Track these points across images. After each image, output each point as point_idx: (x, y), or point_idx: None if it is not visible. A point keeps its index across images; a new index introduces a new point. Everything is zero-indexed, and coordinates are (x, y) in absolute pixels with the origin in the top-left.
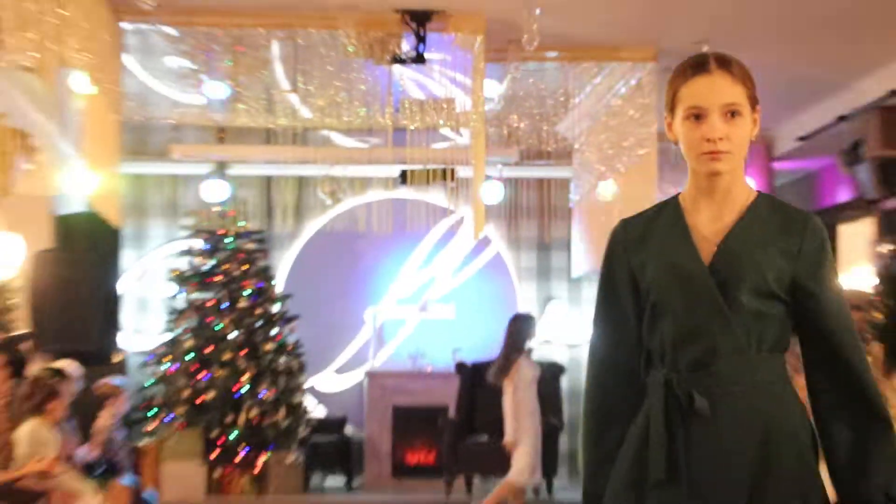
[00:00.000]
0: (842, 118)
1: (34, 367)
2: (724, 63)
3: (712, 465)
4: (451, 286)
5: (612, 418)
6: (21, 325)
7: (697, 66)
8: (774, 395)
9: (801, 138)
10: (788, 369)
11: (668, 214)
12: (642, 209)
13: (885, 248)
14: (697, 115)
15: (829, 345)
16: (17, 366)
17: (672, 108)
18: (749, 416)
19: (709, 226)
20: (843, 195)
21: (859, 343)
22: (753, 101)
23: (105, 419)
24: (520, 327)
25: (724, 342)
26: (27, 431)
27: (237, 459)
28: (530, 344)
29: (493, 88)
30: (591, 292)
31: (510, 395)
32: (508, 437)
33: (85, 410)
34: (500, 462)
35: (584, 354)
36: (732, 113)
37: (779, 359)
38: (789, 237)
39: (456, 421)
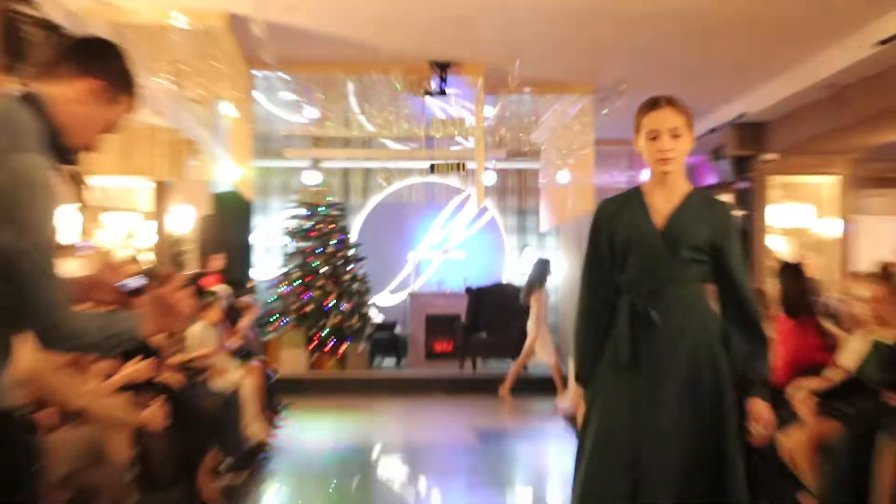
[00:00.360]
0: (712, 130)
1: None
2: (671, 102)
3: (660, 354)
4: (463, 237)
5: (595, 326)
6: (192, 264)
7: (653, 104)
8: (699, 311)
9: None
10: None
11: (635, 197)
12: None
13: (738, 212)
14: (654, 137)
15: (732, 282)
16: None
17: (637, 132)
18: (683, 324)
19: (661, 206)
20: (712, 179)
21: (749, 282)
22: (690, 127)
23: (244, 322)
24: (542, 267)
25: (668, 278)
26: (197, 330)
27: (327, 348)
28: (548, 278)
29: (489, 111)
30: (552, 241)
31: (535, 309)
32: (531, 334)
33: (232, 316)
34: (494, 350)
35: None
36: (675, 135)
37: (701, 288)
38: (712, 215)
39: (465, 324)
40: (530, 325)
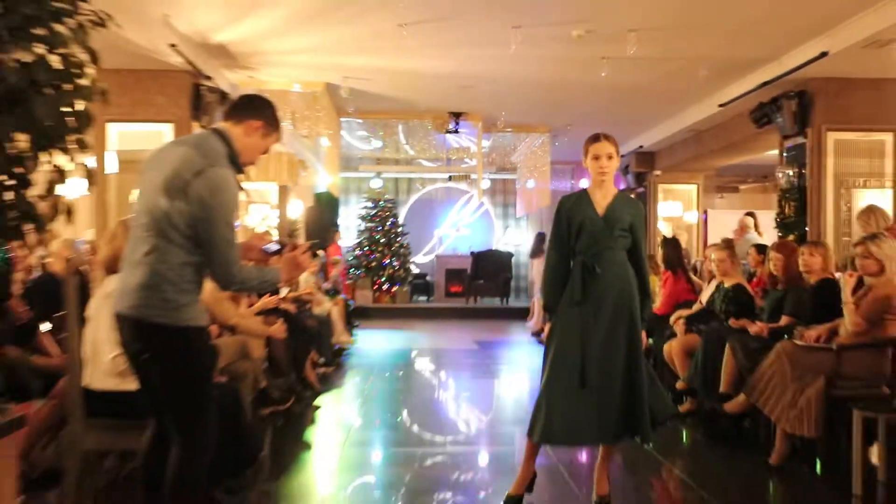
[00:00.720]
0: (622, 155)
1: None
2: (607, 137)
3: (599, 293)
4: (469, 221)
5: (559, 276)
6: (300, 236)
7: (596, 138)
8: (624, 268)
9: None
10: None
11: (584, 196)
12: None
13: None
14: (596, 157)
15: (638, 251)
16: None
17: (585, 155)
18: (614, 275)
19: (601, 201)
20: (622, 186)
21: (645, 251)
22: (618, 152)
23: (334, 272)
24: (541, 238)
25: (606, 246)
26: (304, 278)
27: (384, 289)
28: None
29: (485, 142)
30: (523, 223)
31: (537, 266)
32: (537, 282)
33: (325, 269)
34: (487, 291)
35: (523, 250)
36: (609, 157)
37: (624, 254)
38: (631, 207)
39: (470, 274)
40: (536, 281)
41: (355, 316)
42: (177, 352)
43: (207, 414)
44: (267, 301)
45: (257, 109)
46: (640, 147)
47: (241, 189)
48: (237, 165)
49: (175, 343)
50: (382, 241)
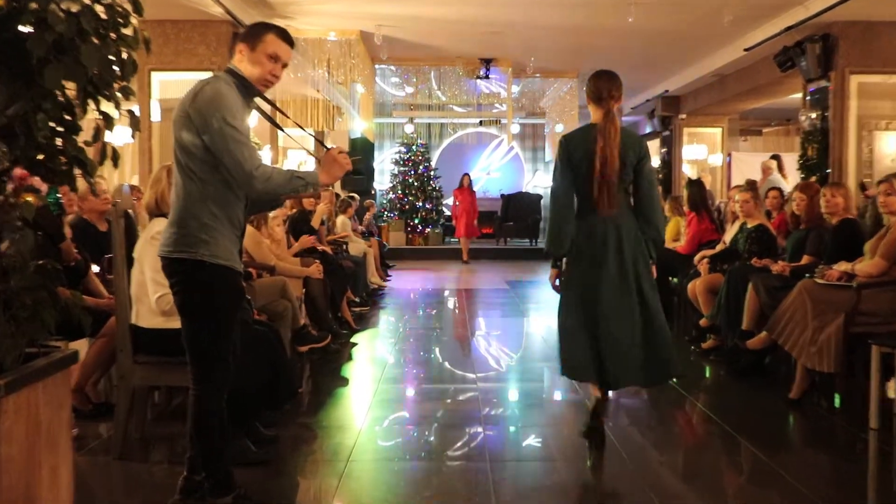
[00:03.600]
0: (648, 100)
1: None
2: (610, 78)
3: (605, 241)
4: (498, 164)
5: (565, 219)
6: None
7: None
8: (629, 211)
9: (633, 107)
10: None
11: (587, 130)
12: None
13: (662, 150)
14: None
15: (644, 187)
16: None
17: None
18: (618, 218)
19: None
20: (648, 129)
21: (657, 189)
22: (621, 94)
23: (368, 215)
24: None
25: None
26: (340, 221)
27: (417, 231)
28: None
29: (515, 88)
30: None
31: None
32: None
33: (360, 212)
34: (516, 232)
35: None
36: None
37: (628, 196)
38: (636, 145)
39: (500, 216)
40: None
41: (389, 257)
42: (194, 287)
43: (219, 353)
44: (304, 241)
45: (241, 35)
46: (666, 91)
47: (274, 111)
48: (250, 89)
49: (193, 278)
50: (415, 184)
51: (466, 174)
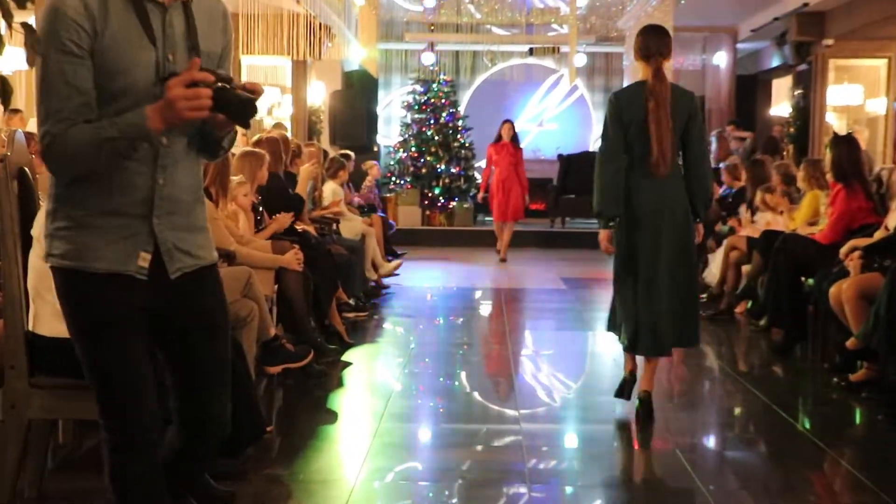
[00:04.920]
0: (776, 19)
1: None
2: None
3: (651, 206)
4: (556, 112)
5: (617, 179)
6: (324, 130)
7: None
8: (679, 171)
9: (753, 30)
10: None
11: (636, 90)
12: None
13: (797, 91)
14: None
15: (695, 145)
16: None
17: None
18: (669, 179)
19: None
20: (776, 62)
21: (706, 145)
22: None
23: (368, 181)
24: None
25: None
26: (329, 188)
27: (438, 205)
28: None
29: (581, 1)
30: None
31: None
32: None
33: (356, 178)
34: (580, 209)
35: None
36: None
37: (678, 157)
38: (688, 102)
39: (556, 186)
40: None
41: (398, 242)
42: (59, 299)
43: (114, 385)
44: (281, 220)
45: None
46: (805, 5)
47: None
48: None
49: (57, 288)
50: (436, 139)
51: (508, 122)
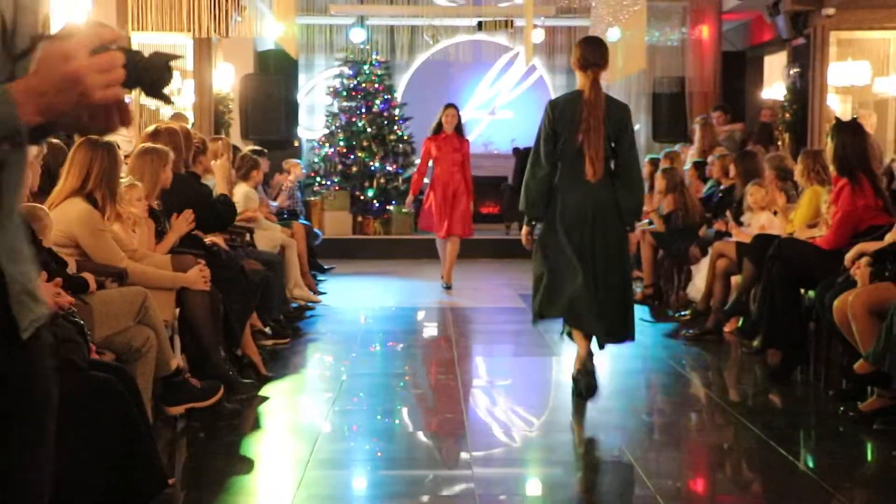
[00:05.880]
0: None
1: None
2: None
3: (581, 213)
4: (510, 97)
5: (544, 184)
6: (234, 122)
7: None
8: (608, 180)
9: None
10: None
11: (573, 99)
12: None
13: (792, 70)
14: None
15: (624, 153)
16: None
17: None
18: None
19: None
20: (767, 36)
21: (636, 153)
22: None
23: (287, 182)
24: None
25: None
26: (241, 192)
27: (372, 210)
28: None
29: None
30: None
31: None
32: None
33: (271, 179)
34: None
35: None
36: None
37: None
38: (621, 113)
39: (512, 186)
40: None
41: (325, 254)
42: None
43: None
44: (176, 226)
45: None
46: None
47: None
48: None
49: None
50: (369, 131)
51: (451, 107)
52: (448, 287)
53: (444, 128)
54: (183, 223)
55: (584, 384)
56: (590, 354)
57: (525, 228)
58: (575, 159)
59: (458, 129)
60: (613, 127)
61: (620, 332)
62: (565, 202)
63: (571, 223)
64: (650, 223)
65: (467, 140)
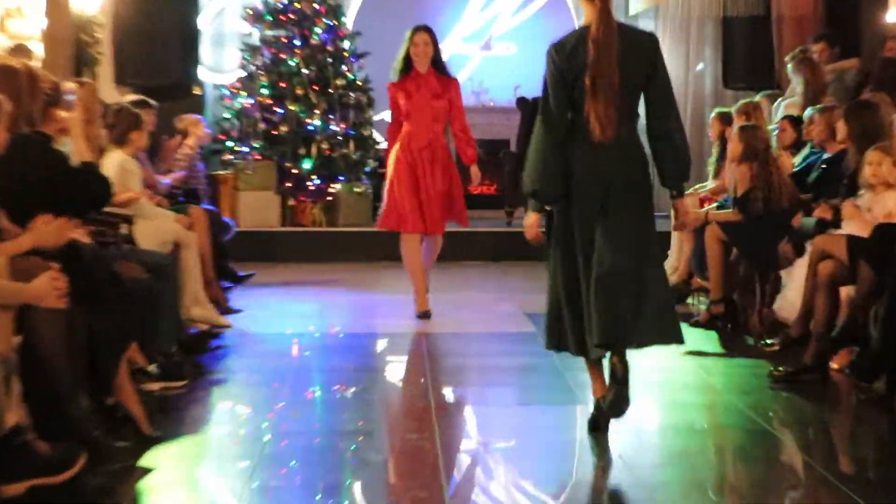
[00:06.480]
0: None
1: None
2: None
3: (603, 178)
4: (514, 23)
5: (555, 149)
6: (104, 60)
7: None
8: (635, 138)
9: None
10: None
11: (579, 38)
12: None
13: None
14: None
15: (657, 100)
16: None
17: None
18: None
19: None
20: None
21: (673, 98)
22: None
23: (186, 149)
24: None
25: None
26: (115, 161)
27: (310, 190)
28: None
29: None
30: (647, 29)
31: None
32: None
33: (157, 144)
34: None
35: None
36: None
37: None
38: (647, 49)
39: (518, 154)
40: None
41: (241, 255)
42: None
43: None
44: (40, 229)
45: None
46: None
47: None
48: None
49: None
50: (305, 73)
51: (424, 30)
52: (425, 316)
53: (414, 64)
54: (54, 228)
55: (612, 398)
56: (622, 361)
57: (531, 216)
58: (583, 117)
59: (438, 65)
60: (637, 68)
61: (663, 335)
62: (584, 171)
63: (582, 206)
64: (721, 206)
65: (455, 80)
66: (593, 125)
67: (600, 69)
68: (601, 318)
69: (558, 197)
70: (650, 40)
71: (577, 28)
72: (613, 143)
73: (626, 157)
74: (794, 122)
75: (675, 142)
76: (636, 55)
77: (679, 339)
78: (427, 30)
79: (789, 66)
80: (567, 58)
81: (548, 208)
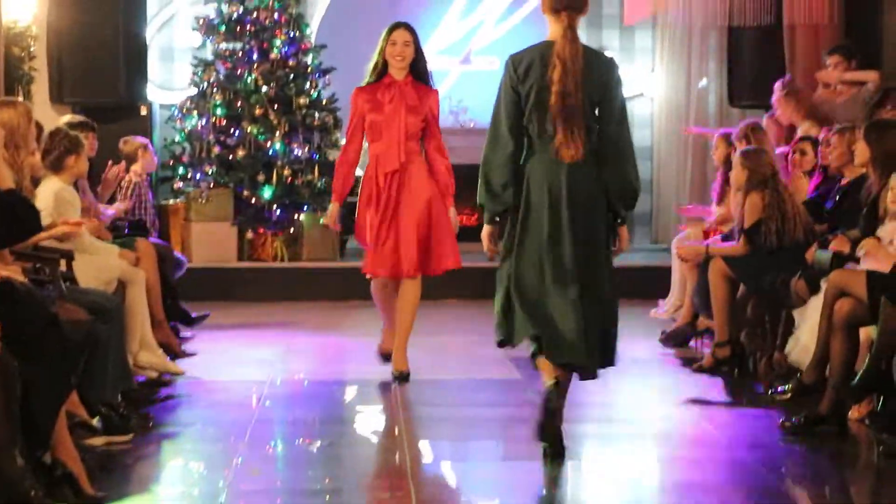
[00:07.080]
0: None
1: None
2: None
3: (556, 199)
4: (496, 35)
5: (506, 163)
6: (39, 76)
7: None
8: (592, 156)
9: None
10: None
11: (541, 52)
12: None
13: None
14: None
15: (611, 124)
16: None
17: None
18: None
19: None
20: None
21: (627, 126)
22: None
23: (132, 176)
24: None
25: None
26: (50, 190)
27: (271, 221)
28: None
29: None
30: (644, 41)
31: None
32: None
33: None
34: None
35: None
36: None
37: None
38: (606, 70)
39: None
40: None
41: (192, 294)
42: None
43: None
44: None
45: None
46: None
47: None
48: None
49: None
50: (264, 90)
51: (403, 27)
52: (401, 378)
53: (389, 69)
54: None
55: (552, 419)
56: (559, 387)
57: (487, 228)
58: (545, 132)
59: (418, 72)
60: (595, 88)
61: (599, 358)
62: (534, 191)
63: (543, 219)
64: (725, 238)
65: (435, 91)
66: (562, 145)
67: (565, 87)
68: (565, 338)
69: (506, 209)
70: (609, 62)
71: (535, 44)
72: (578, 162)
73: (588, 176)
74: (815, 143)
75: (624, 166)
76: (593, 76)
77: (612, 362)
78: (408, 27)
79: (778, 111)
80: (524, 72)
81: (499, 220)
